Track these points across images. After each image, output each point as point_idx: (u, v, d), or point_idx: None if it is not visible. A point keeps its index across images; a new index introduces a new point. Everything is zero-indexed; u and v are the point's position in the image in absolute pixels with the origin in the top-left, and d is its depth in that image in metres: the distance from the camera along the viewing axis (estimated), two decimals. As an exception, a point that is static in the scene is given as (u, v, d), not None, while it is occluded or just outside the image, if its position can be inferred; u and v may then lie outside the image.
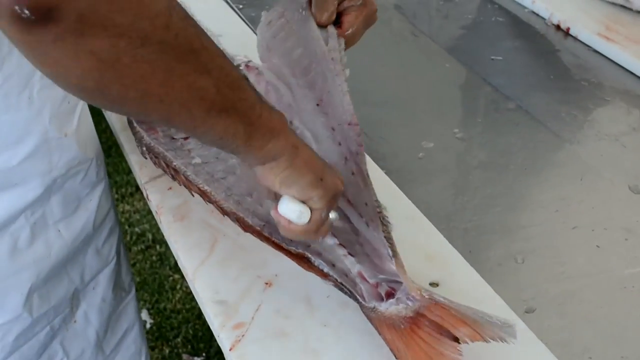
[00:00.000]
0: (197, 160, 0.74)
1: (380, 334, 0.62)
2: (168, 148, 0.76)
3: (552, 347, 0.64)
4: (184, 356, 1.75)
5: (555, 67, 1.15)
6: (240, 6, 1.25)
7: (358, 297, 0.64)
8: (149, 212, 1.96)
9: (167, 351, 1.76)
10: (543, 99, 1.05)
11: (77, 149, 0.78)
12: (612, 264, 0.77)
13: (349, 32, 0.75)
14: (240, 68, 0.81)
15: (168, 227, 0.76)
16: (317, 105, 0.70)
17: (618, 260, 0.77)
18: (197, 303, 0.72)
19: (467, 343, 0.58)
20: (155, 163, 0.78)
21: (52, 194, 0.76)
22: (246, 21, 1.19)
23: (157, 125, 0.78)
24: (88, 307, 0.86)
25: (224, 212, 0.71)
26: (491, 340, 0.58)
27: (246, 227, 0.70)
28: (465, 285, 0.70)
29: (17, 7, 0.38)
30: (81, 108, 0.78)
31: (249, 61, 0.81)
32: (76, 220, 0.81)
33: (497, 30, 1.26)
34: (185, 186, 0.74)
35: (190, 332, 1.79)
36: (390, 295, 0.63)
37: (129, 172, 2.20)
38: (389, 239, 0.65)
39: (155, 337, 1.78)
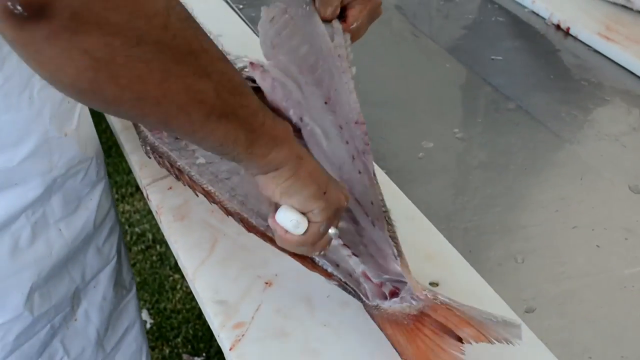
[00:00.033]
0: (202, 160, 0.74)
1: (382, 330, 0.62)
2: (172, 148, 0.76)
3: (552, 347, 0.64)
4: (184, 356, 1.75)
5: (555, 67, 1.15)
6: (241, 6, 1.25)
7: (362, 296, 0.64)
8: (149, 212, 1.96)
9: (167, 351, 1.76)
10: (543, 99, 1.05)
11: (77, 148, 0.78)
12: (612, 263, 0.77)
13: (354, 26, 0.74)
14: (245, 70, 0.81)
15: (168, 227, 0.76)
16: (325, 103, 0.70)
17: (618, 260, 0.77)
18: (197, 303, 0.72)
19: (471, 343, 0.58)
20: (159, 163, 0.78)
21: (52, 194, 0.76)
22: (246, 21, 1.19)
23: (157, 128, 0.77)
24: (89, 306, 0.86)
25: (228, 212, 0.71)
26: (495, 342, 0.58)
27: (250, 228, 0.70)
28: (465, 285, 0.70)
29: (9, 3, 0.37)
30: (81, 107, 0.78)
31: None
32: (77, 219, 0.81)
33: (497, 30, 1.26)
34: (189, 186, 0.74)
35: (191, 332, 1.79)
36: (394, 294, 0.63)
37: (129, 172, 2.20)
38: (394, 239, 0.65)
39: (155, 337, 1.79)
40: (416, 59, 1.18)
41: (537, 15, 1.29)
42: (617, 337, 0.69)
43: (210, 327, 0.67)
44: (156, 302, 1.87)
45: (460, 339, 0.58)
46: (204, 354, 1.75)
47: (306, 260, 0.67)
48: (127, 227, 2.08)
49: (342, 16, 0.74)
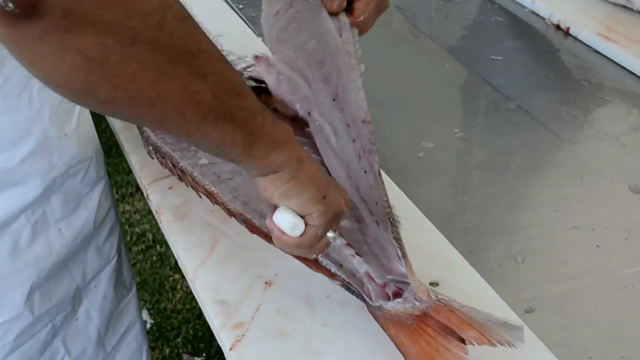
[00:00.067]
0: (204, 160, 0.74)
1: (385, 330, 0.62)
2: (174, 148, 0.76)
3: (552, 347, 0.64)
4: (185, 356, 1.75)
5: (555, 67, 1.15)
6: (241, 6, 1.25)
7: (365, 296, 0.64)
8: (149, 212, 1.96)
9: (167, 351, 1.76)
10: (543, 99, 1.05)
11: (77, 148, 0.78)
12: (612, 263, 0.77)
13: (361, 18, 0.72)
14: (248, 70, 0.80)
15: (168, 227, 0.76)
16: (333, 100, 0.69)
17: (618, 260, 0.77)
18: (197, 303, 0.72)
19: (474, 345, 0.58)
20: (161, 163, 0.78)
21: (52, 193, 0.76)
22: (246, 21, 1.19)
23: (153, 129, 0.77)
24: (90, 305, 0.86)
25: (231, 213, 0.71)
26: (498, 344, 0.58)
27: (253, 229, 0.70)
28: (465, 285, 0.70)
29: (0, 1, 0.37)
30: (80, 107, 0.78)
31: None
32: (77, 219, 0.81)
33: (497, 30, 1.26)
34: (192, 187, 0.74)
35: (191, 332, 1.79)
36: (397, 295, 0.63)
37: (129, 172, 2.20)
38: (397, 240, 0.65)
39: (155, 337, 1.79)
40: (416, 59, 1.18)
41: (537, 15, 1.29)
42: (617, 337, 0.69)
43: (211, 327, 0.67)
44: (156, 302, 1.87)
45: (463, 341, 0.59)
46: (204, 354, 1.75)
47: (309, 261, 0.67)
48: (127, 227, 2.08)
49: (348, 9, 0.73)
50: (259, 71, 0.70)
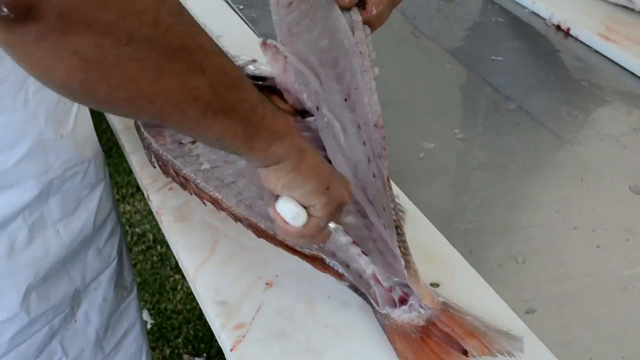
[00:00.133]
0: (206, 165, 0.74)
1: (391, 342, 0.63)
2: (176, 155, 0.75)
3: (553, 348, 0.64)
4: (185, 357, 1.75)
5: (556, 67, 1.15)
6: (241, 7, 1.25)
7: (372, 300, 0.64)
8: (150, 212, 1.96)
9: (167, 352, 1.76)
10: (543, 100, 1.06)
11: (74, 150, 0.78)
12: (612, 264, 0.77)
13: (374, 12, 0.70)
14: (250, 68, 0.80)
15: (169, 227, 0.76)
16: (345, 100, 0.68)
17: (618, 260, 0.77)
18: (197, 303, 0.72)
19: (475, 357, 0.59)
20: (165, 172, 0.77)
21: (50, 195, 0.76)
22: (247, 22, 1.19)
23: (154, 124, 0.77)
24: (89, 307, 0.86)
25: (237, 218, 0.71)
26: (499, 355, 0.58)
27: (259, 233, 0.70)
28: (465, 286, 0.70)
29: None
30: (78, 109, 0.78)
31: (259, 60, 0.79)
32: (75, 220, 0.81)
33: (497, 30, 1.26)
34: (196, 195, 0.74)
35: (191, 332, 1.79)
36: (403, 301, 0.64)
37: (129, 172, 2.20)
38: (403, 249, 0.65)
39: (156, 338, 1.79)
40: (417, 60, 1.18)
41: (538, 15, 1.29)
42: (618, 337, 0.69)
43: (211, 327, 0.67)
44: (157, 302, 1.87)
45: (465, 352, 0.59)
46: (204, 355, 1.75)
47: (316, 262, 0.67)
48: (127, 227, 2.08)
49: (361, 3, 0.71)
50: (265, 58, 0.70)
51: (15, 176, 0.72)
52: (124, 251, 0.95)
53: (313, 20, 0.69)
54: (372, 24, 0.71)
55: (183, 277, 1.61)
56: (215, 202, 0.72)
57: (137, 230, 2.07)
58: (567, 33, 1.23)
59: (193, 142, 0.77)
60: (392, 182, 0.82)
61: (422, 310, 0.62)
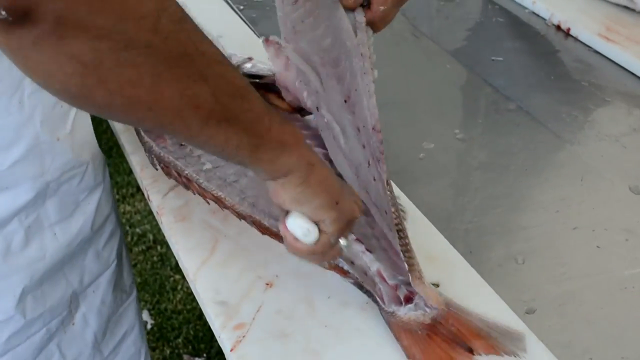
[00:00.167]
0: (208, 165, 0.74)
1: (397, 339, 0.63)
2: (178, 156, 0.75)
3: (553, 348, 0.64)
4: (185, 357, 1.75)
5: (556, 67, 1.15)
6: (241, 7, 1.25)
7: (378, 298, 0.64)
8: (150, 212, 1.96)
9: (168, 352, 1.76)
10: (543, 100, 1.06)
11: (71, 153, 0.77)
12: (612, 264, 0.77)
13: (381, 10, 0.69)
14: (247, 66, 0.80)
15: (169, 227, 0.76)
16: (345, 101, 0.68)
17: (618, 261, 0.77)
18: (197, 303, 0.72)
19: (480, 355, 0.60)
20: (167, 173, 0.78)
21: (47, 198, 0.76)
22: (247, 22, 1.19)
23: (155, 132, 0.77)
24: (87, 310, 0.86)
25: (240, 216, 0.71)
26: (504, 355, 0.59)
27: (263, 230, 0.70)
28: (466, 286, 0.70)
29: None
30: (76, 112, 0.77)
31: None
32: (73, 223, 0.80)
33: (497, 31, 1.26)
34: (199, 194, 0.74)
35: (191, 332, 1.79)
36: (408, 299, 0.64)
37: (130, 172, 2.20)
38: (405, 252, 0.65)
39: (156, 338, 1.79)
40: (417, 60, 1.18)
41: (538, 16, 1.29)
42: (618, 337, 0.69)
43: (211, 327, 0.67)
44: (157, 302, 1.87)
45: (471, 350, 0.60)
46: (204, 355, 1.75)
47: None
48: (127, 227, 2.08)
49: (367, 3, 0.70)
50: (268, 54, 0.70)
51: (10, 178, 0.71)
52: (124, 253, 0.94)
53: (317, 19, 0.69)
54: (377, 23, 0.70)
55: (183, 277, 1.61)
56: (218, 201, 0.73)
57: (138, 230, 2.08)
58: (567, 33, 1.23)
59: None
60: (392, 183, 0.82)
61: (427, 310, 0.62)
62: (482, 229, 0.81)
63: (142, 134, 0.79)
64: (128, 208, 2.15)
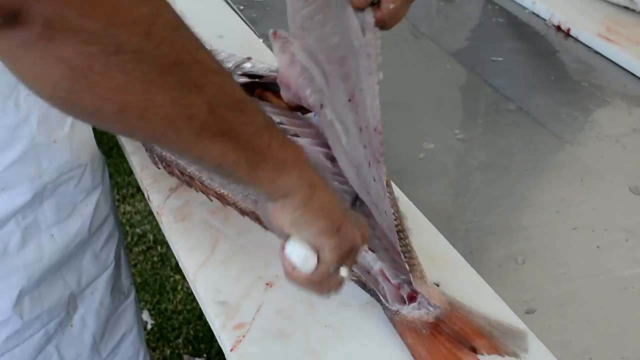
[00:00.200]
0: None
1: (402, 338, 0.63)
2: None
3: (553, 348, 0.64)
4: (185, 357, 1.75)
5: (556, 68, 1.15)
6: (242, 7, 1.25)
7: (381, 297, 0.65)
8: (150, 212, 1.96)
9: (168, 352, 1.76)
10: (543, 100, 1.06)
11: (69, 155, 0.77)
12: (612, 264, 0.77)
13: (391, 7, 0.67)
14: (244, 66, 0.80)
15: (169, 227, 0.76)
16: (349, 100, 0.67)
17: (618, 261, 0.77)
18: (198, 304, 0.72)
19: (483, 355, 0.60)
20: (170, 173, 0.78)
21: (44, 199, 0.76)
22: (247, 22, 1.19)
23: (149, 144, 0.77)
24: (85, 312, 0.86)
25: (243, 212, 0.72)
26: (506, 355, 0.59)
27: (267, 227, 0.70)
28: (465, 286, 0.70)
29: None
30: None
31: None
32: (70, 225, 0.80)
33: (497, 31, 1.26)
34: (202, 192, 0.74)
35: (191, 332, 1.79)
36: (412, 298, 0.64)
37: (130, 173, 2.20)
38: (405, 252, 0.65)
39: (156, 338, 1.79)
40: (417, 60, 1.18)
41: (538, 16, 1.29)
42: (618, 338, 0.69)
43: (211, 327, 0.67)
44: (157, 302, 1.87)
45: (474, 349, 0.60)
46: (204, 355, 1.75)
47: None
48: (128, 227, 2.08)
49: (376, 1, 0.68)
50: (274, 48, 0.69)
51: (7, 180, 0.71)
52: (122, 255, 0.94)
53: (326, 17, 0.69)
54: (387, 21, 0.68)
55: (183, 277, 1.61)
56: (221, 198, 0.73)
57: (138, 230, 2.07)
58: (567, 34, 1.23)
59: None
60: (392, 183, 0.82)
61: (430, 308, 0.63)
62: (482, 229, 0.81)
63: None
64: (128, 208, 2.15)
